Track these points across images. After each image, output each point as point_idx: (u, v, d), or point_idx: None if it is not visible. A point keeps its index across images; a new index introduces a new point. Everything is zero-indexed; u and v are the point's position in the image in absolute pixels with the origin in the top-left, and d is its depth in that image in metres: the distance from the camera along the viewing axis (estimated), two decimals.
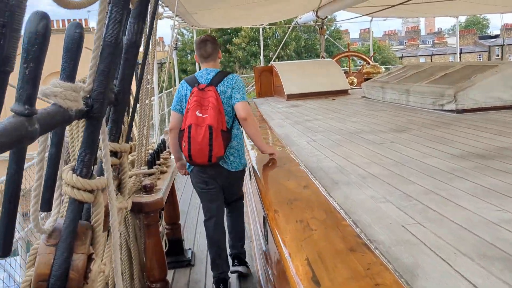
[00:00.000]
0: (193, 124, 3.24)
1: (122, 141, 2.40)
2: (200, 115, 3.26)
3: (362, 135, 4.33)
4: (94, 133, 1.37)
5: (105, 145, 1.45)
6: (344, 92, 8.59)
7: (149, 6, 2.58)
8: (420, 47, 64.97)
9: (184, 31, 42.94)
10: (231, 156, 3.50)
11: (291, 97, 8.38)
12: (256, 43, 39.14)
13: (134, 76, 2.94)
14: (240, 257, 3.89)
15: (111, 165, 1.89)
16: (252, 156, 3.76)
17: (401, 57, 54.84)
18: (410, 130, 4.41)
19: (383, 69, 10.23)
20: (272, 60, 13.92)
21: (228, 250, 3.87)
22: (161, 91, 9.75)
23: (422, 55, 56.44)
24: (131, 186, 2.86)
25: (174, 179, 4.01)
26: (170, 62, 8.61)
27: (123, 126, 2.43)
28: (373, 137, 4.17)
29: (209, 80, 3.42)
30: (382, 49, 46.63)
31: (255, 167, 3.42)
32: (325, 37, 12.73)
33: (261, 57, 13.42)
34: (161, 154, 3.72)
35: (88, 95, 1.34)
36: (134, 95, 3.37)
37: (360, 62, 13.95)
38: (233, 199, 3.82)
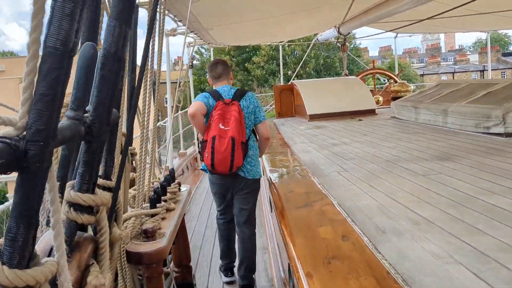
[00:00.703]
0: (216, 135, 3.47)
1: (114, 177, 1.88)
2: (223, 127, 3.50)
3: (401, 163, 3.75)
4: (33, 192, 0.86)
5: (54, 209, 0.93)
6: (371, 112, 8.01)
7: (148, 12, 2.09)
8: (441, 65, 64.11)
9: (203, 50, 43.04)
10: (247, 165, 3.69)
11: (314, 117, 7.84)
12: (275, 61, 38.86)
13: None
14: (250, 286, 3.89)
15: (86, 224, 1.38)
16: (274, 189, 3.23)
17: (422, 75, 54.10)
18: (457, 158, 3.81)
19: (412, 87, 9.65)
20: (292, 79, 13.45)
21: (239, 280, 3.90)
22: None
23: (444, 73, 55.58)
24: (128, 233, 2.33)
25: (186, 211, 3.50)
26: (186, 81, 8.18)
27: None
28: (415, 167, 3.59)
29: (232, 95, 3.67)
30: (403, 67, 45.94)
31: (277, 201, 2.89)
32: (345, 54, 12.20)
33: (281, 75, 12.86)
34: (169, 187, 3.20)
35: (20, 135, 0.83)
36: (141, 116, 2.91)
37: (384, 80, 13.35)
38: (244, 212, 3.83)
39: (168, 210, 2.94)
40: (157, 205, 2.79)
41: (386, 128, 6.15)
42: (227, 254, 4.02)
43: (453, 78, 48.17)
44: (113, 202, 1.59)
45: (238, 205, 3.82)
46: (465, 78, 48.97)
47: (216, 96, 3.66)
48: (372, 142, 4.96)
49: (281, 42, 13.15)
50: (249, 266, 3.83)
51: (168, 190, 3.17)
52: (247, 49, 38.55)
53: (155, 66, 2.80)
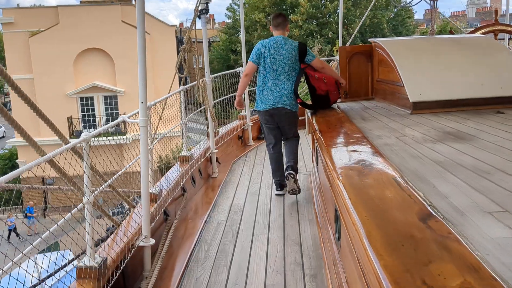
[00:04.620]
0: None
1: None
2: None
3: None
4: None
5: None
6: None
7: None
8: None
9: (235, 7, 38.88)
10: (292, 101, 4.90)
11: (421, 107, 4.25)
12: (315, 21, 34.55)
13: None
14: (293, 166, 4.84)
15: None
16: None
17: None
18: None
19: None
20: (350, 42, 9.65)
21: (287, 165, 4.90)
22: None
23: (500, 39, 49.83)
24: None
25: None
26: (190, 38, 4.78)
27: None
28: None
29: (285, 45, 4.76)
30: (456, 32, 40.78)
31: None
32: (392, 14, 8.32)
33: (340, 33, 9.04)
34: None
35: None
36: None
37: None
38: (289, 135, 5.07)
39: None
40: None
41: None
42: (277, 173, 5.14)
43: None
44: None
45: (284, 130, 5.04)
46: None
47: (272, 47, 4.74)
48: None
49: None
50: (293, 159, 4.90)
51: None
52: (284, 6, 34.36)
53: None
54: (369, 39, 5.72)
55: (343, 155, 2.84)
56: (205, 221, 4.51)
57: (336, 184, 2.35)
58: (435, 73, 4.51)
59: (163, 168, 22.74)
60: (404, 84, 4.40)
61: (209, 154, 5.92)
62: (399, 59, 4.69)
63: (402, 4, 15.58)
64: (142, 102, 3.19)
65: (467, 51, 4.85)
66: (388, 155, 2.81)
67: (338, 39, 29.59)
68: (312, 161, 5.53)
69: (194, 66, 6.13)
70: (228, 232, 4.24)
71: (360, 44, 5.96)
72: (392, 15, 37.53)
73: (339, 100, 5.34)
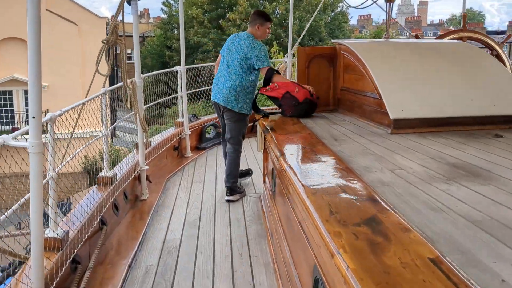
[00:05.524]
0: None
1: None
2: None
3: None
4: None
5: None
6: None
7: None
8: (425, 38, 61.23)
9: (171, 1, 37.22)
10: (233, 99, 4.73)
11: (402, 126, 3.48)
12: None
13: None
14: (230, 189, 4.81)
15: None
16: None
17: None
18: None
19: None
20: (299, 44, 8.83)
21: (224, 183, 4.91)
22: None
23: None
24: None
25: None
26: (116, 27, 3.75)
27: None
28: None
29: (239, 42, 4.61)
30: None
31: None
32: (329, 18, 7.72)
33: (289, 33, 8.03)
34: None
35: None
36: None
37: None
38: (228, 139, 4.88)
39: None
40: None
41: None
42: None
43: None
44: None
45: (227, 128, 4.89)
46: None
47: (232, 39, 4.72)
48: None
49: None
50: (230, 179, 4.80)
51: None
52: (221, 4, 33.32)
53: None
54: (333, 41, 4.91)
55: (332, 203, 1.95)
56: (129, 266, 3.46)
57: (338, 264, 1.45)
58: (418, 84, 3.75)
59: (89, 170, 20.91)
60: (382, 97, 3.60)
61: (137, 172, 4.84)
62: (374, 66, 3.88)
63: (354, 6, 15.09)
64: (33, 117, 2.12)
65: (449, 60, 4.14)
66: (393, 203, 1.96)
67: (275, 40, 28.98)
68: (264, 181, 4.64)
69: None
70: (160, 285, 3.23)
71: (323, 46, 5.15)
72: (329, 19, 37.66)
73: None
